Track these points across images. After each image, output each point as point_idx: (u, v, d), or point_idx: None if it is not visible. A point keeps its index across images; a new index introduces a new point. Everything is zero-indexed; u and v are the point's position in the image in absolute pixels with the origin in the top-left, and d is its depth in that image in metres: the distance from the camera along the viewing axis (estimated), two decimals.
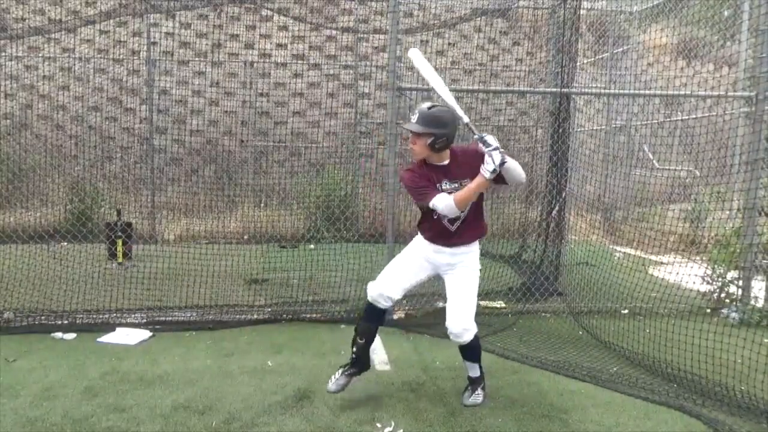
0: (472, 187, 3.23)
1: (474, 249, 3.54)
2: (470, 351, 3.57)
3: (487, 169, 3.15)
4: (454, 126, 3.32)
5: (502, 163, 3.13)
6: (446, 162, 3.39)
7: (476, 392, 3.61)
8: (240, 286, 6.13)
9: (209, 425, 3.26)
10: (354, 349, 3.54)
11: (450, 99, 3.39)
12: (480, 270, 3.59)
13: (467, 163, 3.35)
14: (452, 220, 3.40)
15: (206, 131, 9.72)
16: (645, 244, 6.60)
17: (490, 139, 3.16)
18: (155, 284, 5.69)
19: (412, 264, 3.54)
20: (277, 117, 10.33)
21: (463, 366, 3.68)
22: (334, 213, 8.21)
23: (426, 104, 3.35)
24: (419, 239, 3.57)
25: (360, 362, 3.57)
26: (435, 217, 3.39)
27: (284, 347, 4.58)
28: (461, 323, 3.42)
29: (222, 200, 8.84)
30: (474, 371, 3.63)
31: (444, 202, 3.24)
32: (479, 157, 3.26)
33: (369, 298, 3.51)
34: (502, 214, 7.60)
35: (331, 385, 3.50)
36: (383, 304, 3.49)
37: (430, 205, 3.27)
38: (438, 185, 3.35)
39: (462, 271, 3.49)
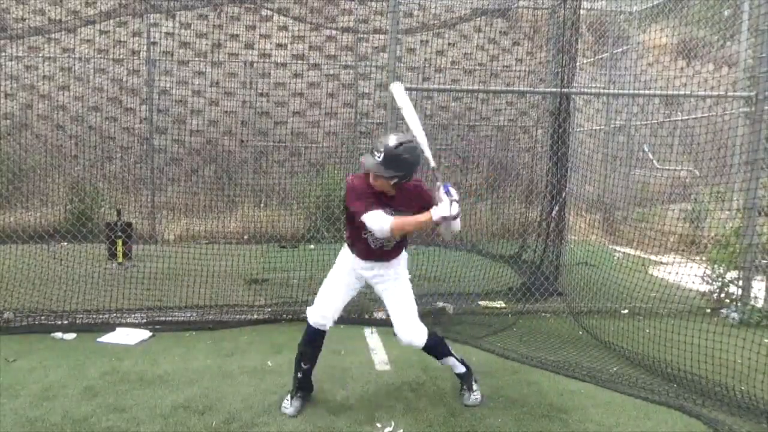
0: (416, 221, 3.12)
1: (401, 257, 3.50)
2: (434, 350, 3.56)
3: (440, 213, 3.02)
4: (418, 165, 3.19)
5: (456, 216, 3.04)
6: (392, 193, 3.25)
7: (472, 390, 3.60)
8: (240, 286, 6.13)
9: (209, 425, 3.27)
10: (299, 375, 3.50)
11: (425, 145, 3.20)
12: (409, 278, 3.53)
13: (408, 197, 3.27)
14: (375, 242, 3.32)
15: (206, 131, 9.72)
16: (645, 244, 6.60)
17: (453, 191, 3.06)
18: (155, 284, 5.69)
19: (343, 282, 3.48)
20: (277, 117, 10.33)
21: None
22: (334, 213, 8.19)
23: (392, 141, 3.10)
24: (345, 253, 3.51)
25: (307, 385, 3.55)
26: (364, 235, 3.30)
27: (284, 347, 4.57)
28: (409, 331, 3.40)
29: (222, 200, 8.84)
30: (457, 368, 3.63)
31: (378, 223, 3.10)
32: (419, 195, 3.26)
33: (311, 323, 3.43)
34: (503, 214, 7.61)
35: (290, 409, 3.41)
36: (325, 326, 3.45)
37: (363, 217, 3.13)
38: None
39: (395, 281, 3.45)
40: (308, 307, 3.49)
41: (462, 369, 3.63)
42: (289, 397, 3.51)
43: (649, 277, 5.36)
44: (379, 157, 3.10)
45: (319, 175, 9.08)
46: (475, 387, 3.62)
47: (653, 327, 4.64)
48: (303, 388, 3.53)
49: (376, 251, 3.37)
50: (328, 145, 9.83)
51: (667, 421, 3.40)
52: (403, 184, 3.23)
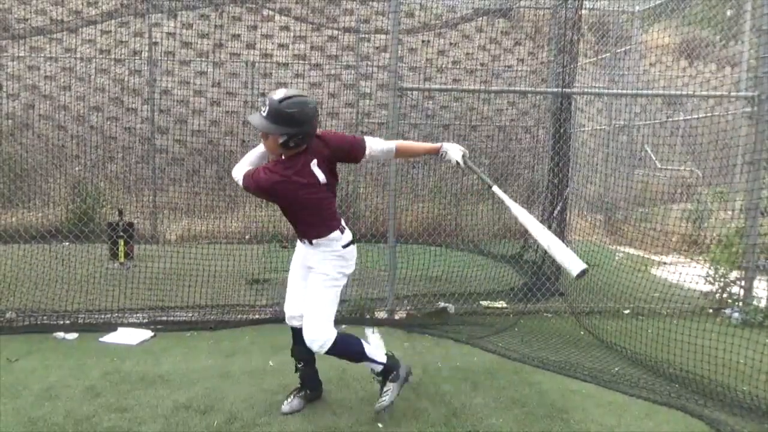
0: (422, 147, 3.35)
1: (321, 251, 3.19)
2: (344, 357, 3.30)
3: (452, 153, 3.24)
4: (312, 121, 2.93)
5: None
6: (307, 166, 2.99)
7: (384, 390, 3.30)
8: (241, 286, 6.13)
9: (210, 425, 3.27)
10: (299, 375, 3.54)
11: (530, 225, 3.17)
12: (336, 278, 3.20)
13: (325, 158, 3.04)
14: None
15: (208, 131, 9.72)
16: (647, 244, 6.58)
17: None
18: (157, 284, 5.69)
19: (296, 275, 3.46)
20: None
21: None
22: None
23: (278, 95, 2.87)
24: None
25: (310, 384, 3.55)
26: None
27: (286, 347, 4.53)
28: (308, 334, 3.18)
29: (223, 200, 8.84)
30: (375, 368, 3.35)
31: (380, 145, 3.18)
32: (329, 144, 3.06)
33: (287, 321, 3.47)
34: (504, 214, 7.60)
35: (285, 406, 3.43)
36: (297, 323, 3.40)
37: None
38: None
39: (313, 276, 3.23)
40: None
41: (379, 367, 3.33)
42: (292, 395, 3.52)
43: (651, 277, 5.35)
44: (264, 111, 2.87)
45: None
46: (388, 386, 3.28)
47: (655, 327, 4.63)
48: (304, 386, 3.53)
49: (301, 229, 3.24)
50: None
51: (669, 422, 3.40)
52: (313, 148, 2.98)
